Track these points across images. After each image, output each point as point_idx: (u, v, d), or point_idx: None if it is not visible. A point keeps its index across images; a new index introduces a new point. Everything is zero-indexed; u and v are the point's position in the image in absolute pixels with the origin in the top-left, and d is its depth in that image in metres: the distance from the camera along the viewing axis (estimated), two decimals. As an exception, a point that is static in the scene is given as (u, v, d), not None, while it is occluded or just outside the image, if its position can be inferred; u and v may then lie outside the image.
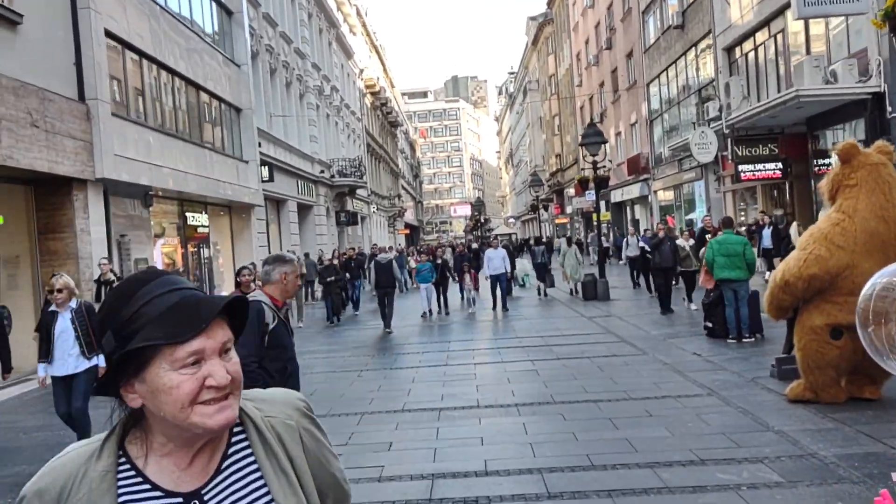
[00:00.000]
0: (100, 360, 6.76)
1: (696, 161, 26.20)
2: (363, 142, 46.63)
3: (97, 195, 13.06)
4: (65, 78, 12.23)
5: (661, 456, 5.86)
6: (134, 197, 15.55)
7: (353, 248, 19.90)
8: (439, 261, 18.28)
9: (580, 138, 20.86)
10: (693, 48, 26.89)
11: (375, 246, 20.48)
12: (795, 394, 7.31)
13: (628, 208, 39.74)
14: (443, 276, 18.08)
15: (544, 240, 34.26)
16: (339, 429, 7.39)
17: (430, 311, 17.46)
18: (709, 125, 22.54)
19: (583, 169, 25.86)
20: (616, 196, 39.32)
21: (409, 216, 74.34)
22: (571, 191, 49.31)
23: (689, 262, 14.17)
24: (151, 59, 15.89)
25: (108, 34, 13.60)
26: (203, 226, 19.88)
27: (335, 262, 18.36)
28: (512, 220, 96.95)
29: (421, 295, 17.57)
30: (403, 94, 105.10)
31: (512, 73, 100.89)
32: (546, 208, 61.15)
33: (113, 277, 10.90)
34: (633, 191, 36.27)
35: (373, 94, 52.19)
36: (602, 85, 41.65)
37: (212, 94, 19.77)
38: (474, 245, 28.63)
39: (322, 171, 32.38)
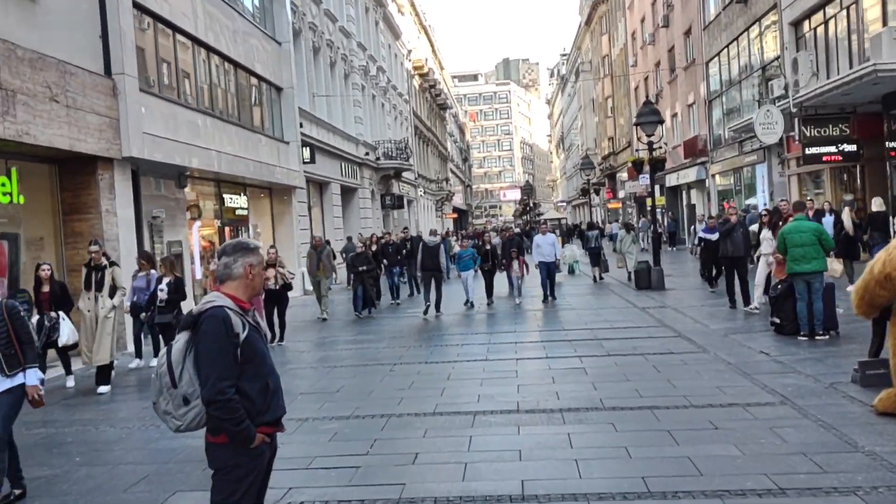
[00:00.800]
0: (28, 377, 5.36)
1: (758, 143, 24.73)
2: (410, 124, 45.87)
3: (124, 174, 12.52)
4: (89, 51, 11.67)
5: (732, 482, 4.95)
6: (167, 177, 15.05)
7: (389, 233, 18.79)
8: (488, 246, 17.06)
9: (635, 119, 19.68)
10: (757, 24, 25.37)
11: (406, 230, 19.12)
12: (885, 406, 6.30)
13: (684, 193, 38.25)
14: (491, 263, 16.88)
15: (599, 225, 33.20)
16: (362, 434, 6.63)
17: (471, 301, 16.23)
18: (774, 104, 21.11)
19: (637, 150, 24.62)
20: (671, 180, 37.84)
21: (458, 200, 73.52)
22: (624, 175, 47.87)
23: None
24: (185, 34, 15.30)
25: (137, 6, 13.01)
26: (242, 208, 19.36)
27: (372, 248, 17.18)
28: (562, 204, 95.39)
29: (463, 283, 16.43)
30: (454, 77, 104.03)
31: (564, 55, 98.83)
32: (598, 192, 59.67)
33: (105, 262, 9.67)
34: (690, 175, 34.81)
35: (421, 75, 51.32)
36: (658, 64, 40.07)
37: (251, 72, 19.17)
38: (516, 230, 27.45)
39: (367, 154, 31.72)
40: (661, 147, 20.59)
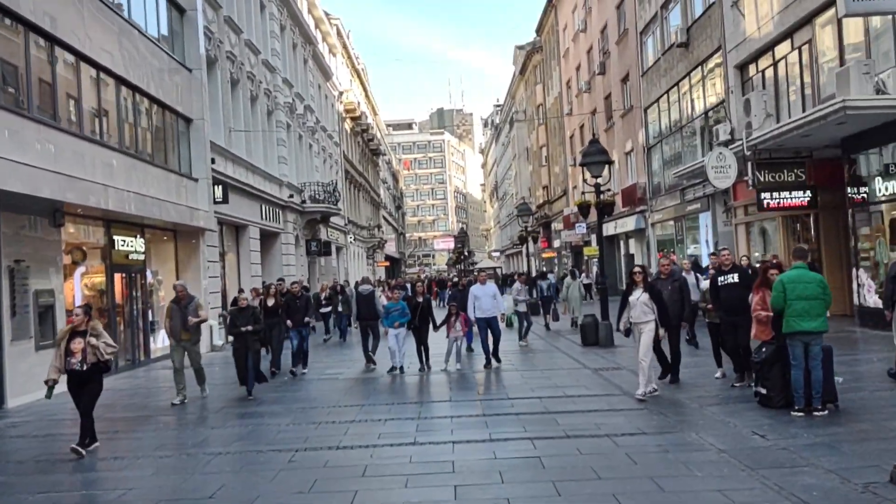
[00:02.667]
0: None
1: (701, 191, 23.66)
2: (341, 168, 43.87)
3: (-33, 207, 10.13)
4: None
5: None
6: (38, 214, 12.63)
7: (297, 283, 15.90)
8: (420, 298, 14.19)
9: (580, 159, 18.11)
10: (699, 68, 24.45)
11: (296, 283, 15.64)
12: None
13: (622, 242, 37.16)
14: (423, 320, 13.94)
15: (549, 274, 31.47)
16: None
17: (401, 367, 13.60)
18: (726, 147, 19.92)
19: (584, 193, 23.17)
20: (608, 229, 36.64)
21: (391, 248, 71.44)
22: (559, 224, 46.78)
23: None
24: (64, 45, 12.98)
25: (-4, 4, 10.77)
26: (136, 252, 16.87)
27: (270, 302, 14.05)
28: (496, 253, 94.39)
29: (389, 343, 13.74)
30: (388, 125, 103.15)
31: (498, 106, 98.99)
32: (535, 240, 58.59)
33: None
34: (628, 224, 33.66)
35: (353, 118, 49.60)
36: (594, 112, 39.22)
37: (152, 98, 16.93)
38: (454, 279, 25.20)
39: (291, 196, 29.51)
40: (609, 189, 19.08)
